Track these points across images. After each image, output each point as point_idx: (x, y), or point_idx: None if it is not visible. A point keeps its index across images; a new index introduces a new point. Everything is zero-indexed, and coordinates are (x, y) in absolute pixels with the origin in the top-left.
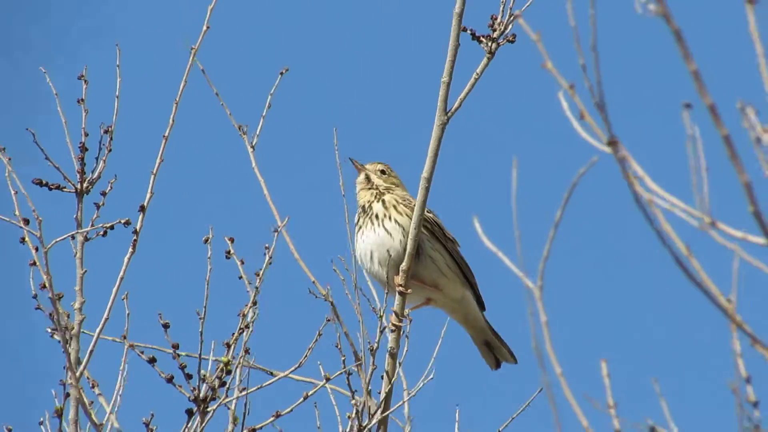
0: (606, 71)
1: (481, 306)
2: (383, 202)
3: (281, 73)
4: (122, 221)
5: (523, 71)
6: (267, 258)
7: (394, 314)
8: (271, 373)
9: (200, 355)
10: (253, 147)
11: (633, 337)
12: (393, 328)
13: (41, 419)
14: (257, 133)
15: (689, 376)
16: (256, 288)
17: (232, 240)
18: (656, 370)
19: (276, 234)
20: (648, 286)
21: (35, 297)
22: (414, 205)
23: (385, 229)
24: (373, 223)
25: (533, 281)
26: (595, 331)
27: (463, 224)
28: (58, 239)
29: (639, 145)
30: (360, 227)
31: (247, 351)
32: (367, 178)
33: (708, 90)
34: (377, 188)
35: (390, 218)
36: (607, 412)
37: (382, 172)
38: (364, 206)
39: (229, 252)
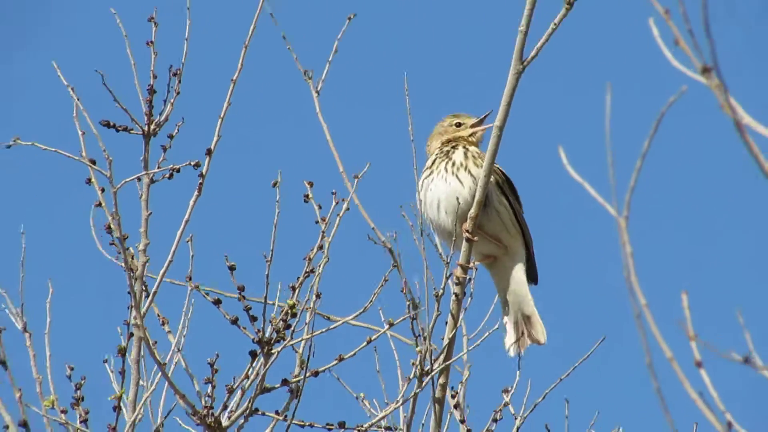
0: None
1: (533, 279)
2: (467, 150)
3: (349, 19)
4: (191, 163)
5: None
6: (338, 203)
7: (459, 267)
8: (329, 318)
9: (266, 297)
10: (318, 92)
11: (720, 269)
12: (458, 281)
13: (105, 357)
14: (322, 78)
15: None
16: (322, 233)
17: (311, 184)
18: (741, 301)
19: (356, 180)
20: (738, 216)
21: (108, 228)
22: None
23: (458, 179)
24: (447, 171)
25: (620, 212)
26: (682, 261)
27: (539, 173)
28: (126, 180)
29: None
30: (431, 173)
31: (318, 296)
32: (461, 136)
33: None
34: (467, 138)
35: (466, 168)
36: (689, 343)
37: (458, 125)
38: (446, 149)
39: (307, 196)
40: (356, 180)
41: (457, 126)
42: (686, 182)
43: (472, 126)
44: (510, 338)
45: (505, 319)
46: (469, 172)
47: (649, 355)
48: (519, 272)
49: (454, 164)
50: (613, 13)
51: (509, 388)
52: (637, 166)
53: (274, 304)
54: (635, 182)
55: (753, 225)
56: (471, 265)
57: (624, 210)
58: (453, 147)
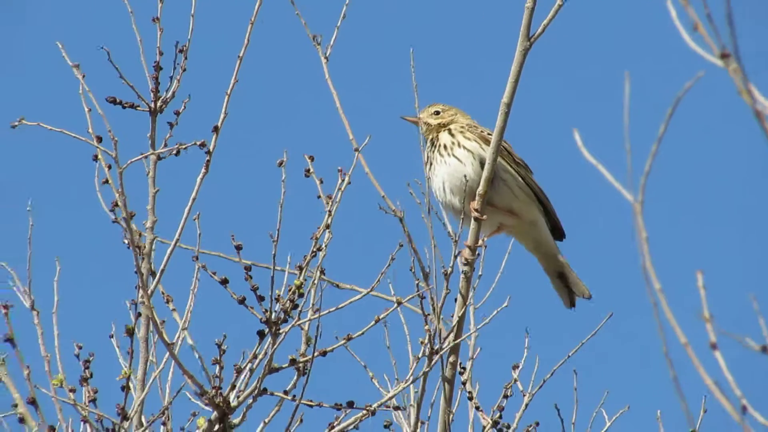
0: None
1: (559, 235)
2: (449, 130)
3: None
4: (197, 143)
5: None
6: (343, 180)
7: (467, 248)
8: (338, 286)
9: (273, 277)
10: (326, 58)
11: (736, 254)
12: (466, 261)
13: (111, 332)
14: (331, 43)
15: None
16: (328, 212)
17: (312, 158)
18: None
19: (357, 154)
20: (755, 201)
21: (115, 208)
22: (481, 131)
23: (456, 158)
24: (442, 155)
25: (635, 196)
26: (698, 247)
27: (551, 152)
28: (133, 159)
29: (754, 59)
30: (430, 162)
31: (322, 272)
32: (427, 125)
33: None
34: (438, 125)
35: (459, 145)
36: (704, 323)
37: (437, 113)
38: (432, 140)
39: (308, 171)
40: (357, 153)
41: (427, 126)
42: (702, 168)
43: (425, 128)
44: (561, 295)
45: (549, 277)
46: (464, 147)
47: (666, 345)
48: (540, 233)
49: (445, 147)
50: None
51: (518, 364)
52: (653, 151)
53: (282, 283)
54: (650, 167)
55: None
56: (480, 242)
57: (639, 195)
58: (435, 137)
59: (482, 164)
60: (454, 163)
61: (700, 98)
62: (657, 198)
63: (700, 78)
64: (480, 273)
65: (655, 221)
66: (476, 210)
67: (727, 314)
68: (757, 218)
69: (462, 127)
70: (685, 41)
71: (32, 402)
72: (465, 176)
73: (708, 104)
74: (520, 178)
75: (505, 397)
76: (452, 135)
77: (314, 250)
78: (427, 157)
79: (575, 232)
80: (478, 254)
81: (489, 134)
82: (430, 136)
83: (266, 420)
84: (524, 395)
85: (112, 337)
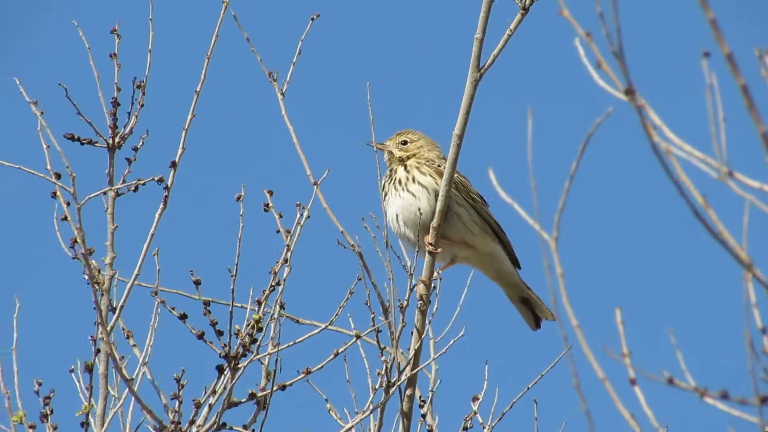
0: (623, 20)
1: (516, 264)
2: (405, 166)
3: (312, 19)
4: (155, 178)
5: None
6: (302, 215)
7: (421, 283)
8: (298, 321)
9: (231, 312)
10: (283, 94)
11: (649, 289)
12: (420, 298)
13: (72, 367)
14: (287, 80)
15: (704, 326)
16: (287, 247)
17: (270, 193)
18: (672, 321)
19: (315, 188)
20: (666, 235)
21: (74, 244)
22: (438, 166)
23: (410, 192)
24: (396, 189)
25: (549, 233)
26: (612, 283)
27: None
28: (91, 195)
29: (656, 94)
30: (386, 193)
31: (282, 307)
32: (391, 154)
33: (725, 38)
34: (399, 158)
35: (414, 180)
36: (622, 361)
37: (404, 143)
38: (391, 170)
39: (267, 205)
40: (316, 187)
41: (390, 155)
42: (615, 203)
43: (388, 156)
44: (526, 319)
45: (513, 304)
46: (419, 183)
47: (577, 377)
48: (500, 263)
49: (400, 182)
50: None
51: (478, 396)
52: (566, 187)
53: (244, 312)
54: (564, 203)
55: (679, 246)
56: (435, 275)
57: (554, 231)
58: (392, 169)
59: (437, 197)
60: (408, 198)
61: (610, 134)
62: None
63: (608, 114)
64: (436, 306)
65: (571, 257)
66: (430, 244)
67: (646, 348)
68: (667, 251)
69: (419, 161)
70: (592, 78)
71: None
72: (419, 209)
73: (617, 139)
74: (474, 212)
75: (465, 429)
76: (407, 170)
77: (273, 284)
78: (385, 187)
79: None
80: (434, 287)
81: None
82: (392, 166)
83: None
84: (484, 427)
85: (72, 371)
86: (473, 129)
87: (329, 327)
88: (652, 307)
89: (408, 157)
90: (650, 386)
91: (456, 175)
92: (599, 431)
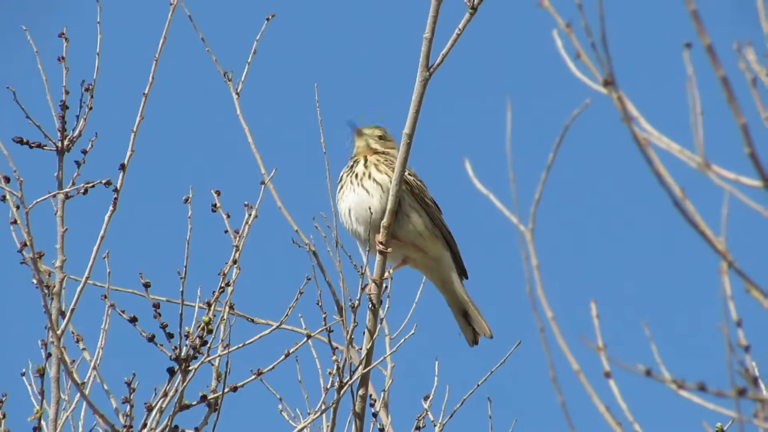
0: (603, 11)
1: (462, 275)
2: (365, 160)
3: (267, 19)
4: (103, 181)
5: (515, 14)
6: (250, 215)
7: (372, 283)
8: (252, 320)
9: (181, 314)
10: (238, 94)
11: (626, 280)
12: (369, 298)
13: (23, 370)
14: (242, 79)
15: (681, 318)
16: (236, 247)
17: (218, 193)
18: (648, 313)
19: (263, 187)
20: (642, 227)
21: (23, 248)
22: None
23: (364, 188)
24: (352, 183)
25: (525, 225)
26: (588, 274)
27: (449, 181)
28: (39, 199)
29: (636, 86)
30: (342, 186)
31: (231, 307)
32: (366, 144)
33: (706, 30)
34: (372, 150)
35: (369, 177)
36: (597, 352)
37: (380, 137)
38: (351, 163)
39: (215, 205)
40: (263, 186)
41: (367, 146)
42: (593, 195)
43: (365, 145)
44: (465, 333)
45: (453, 315)
46: (374, 180)
47: (553, 369)
48: (446, 271)
49: (357, 176)
50: (519, 24)
51: (429, 395)
52: (542, 179)
53: (193, 314)
54: (540, 195)
55: (657, 237)
56: (386, 274)
57: (529, 222)
58: (355, 161)
59: None
60: (362, 194)
61: (588, 125)
62: (548, 226)
63: (586, 106)
64: (387, 306)
65: (547, 249)
66: (381, 243)
67: (621, 340)
68: (645, 243)
69: (378, 159)
70: (570, 69)
71: None
72: (370, 208)
73: (595, 131)
74: (426, 216)
75: (417, 429)
76: (366, 167)
77: (222, 285)
78: (342, 178)
79: (479, 261)
80: (385, 287)
81: (411, 173)
82: (356, 156)
83: None
84: (435, 425)
85: (24, 375)
86: (455, 121)
87: (281, 326)
88: (630, 299)
89: (376, 152)
90: (627, 379)
91: (413, 179)
92: (575, 424)
